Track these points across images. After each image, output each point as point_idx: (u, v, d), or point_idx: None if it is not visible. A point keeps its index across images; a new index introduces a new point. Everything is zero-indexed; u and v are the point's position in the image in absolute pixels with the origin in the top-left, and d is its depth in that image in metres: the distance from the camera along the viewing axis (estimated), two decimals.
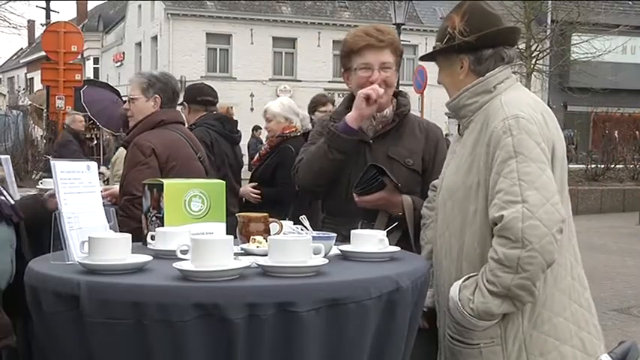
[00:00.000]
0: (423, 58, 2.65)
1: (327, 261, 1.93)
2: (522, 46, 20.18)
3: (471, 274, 2.26)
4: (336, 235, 2.29)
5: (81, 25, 33.67)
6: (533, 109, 2.28)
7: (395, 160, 2.86)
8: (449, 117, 2.54)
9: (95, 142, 12.43)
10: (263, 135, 13.80)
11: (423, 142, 2.94)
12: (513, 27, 2.59)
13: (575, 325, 2.32)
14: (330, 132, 2.78)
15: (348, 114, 2.81)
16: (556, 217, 2.14)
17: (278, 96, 25.48)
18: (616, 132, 17.82)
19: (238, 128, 5.44)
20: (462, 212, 2.32)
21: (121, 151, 5.64)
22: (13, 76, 52.02)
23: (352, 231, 2.27)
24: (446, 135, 4.88)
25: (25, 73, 48.73)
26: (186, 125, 4.54)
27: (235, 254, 1.94)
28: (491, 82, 2.37)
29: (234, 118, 5.68)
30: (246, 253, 2.13)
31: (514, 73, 2.55)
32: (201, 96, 5.24)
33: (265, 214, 2.37)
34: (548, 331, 2.27)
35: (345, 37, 2.95)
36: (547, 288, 2.27)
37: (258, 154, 5.51)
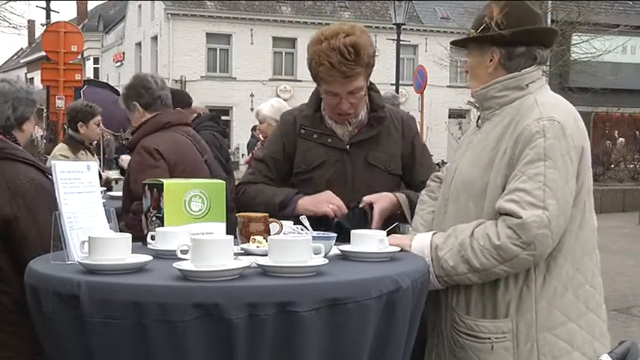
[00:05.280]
0: (454, 43, 2.54)
1: (327, 261, 1.92)
2: None
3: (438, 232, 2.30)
4: (336, 235, 2.29)
5: (81, 25, 33.68)
6: (567, 113, 2.26)
7: (375, 166, 2.79)
8: (472, 106, 2.44)
9: (95, 142, 12.44)
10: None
11: (400, 140, 2.86)
12: (551, 28, 2.54)
13: (590, 334, 2.31)
14: (277, 207, 2.70)
15: (302, 200, 2.68)
16: (561, 230, 2.18)
17: (278, 96, 25.56)
18: (616, 132, 17.85)
19: (239, 128, 5.56)
20: (477, 207, 2.28)
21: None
22: (13, 76, 52.00)
23: (352, 231, 2.27)
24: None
25: (25, 73, 48.71)
26: None
27: (235, 254, 1.94)
28: (524, 79, 2.33)
29: (234, 118, 5.79)
30: (246, 253, 2.13)
31: None
32: (189, 100, 5.31)
33: (265, 214, 2.36)
34: (560, 334, 2.27)
35: (310, 47, 2.72)
36: (565, 293, 2.27)
37: (250, 154, 5.57)
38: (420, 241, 2.30)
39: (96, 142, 5.80)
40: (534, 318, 2.25)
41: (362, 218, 2.65)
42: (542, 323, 2.25)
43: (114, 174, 5.77)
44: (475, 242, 2.18)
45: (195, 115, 5.27)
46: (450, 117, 32.04)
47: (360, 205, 2.68)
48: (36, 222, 2.47)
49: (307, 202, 2.69)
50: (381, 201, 2.69)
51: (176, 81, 30.89)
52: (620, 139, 17.92)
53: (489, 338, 2.26)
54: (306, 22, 32.60)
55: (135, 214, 3.25)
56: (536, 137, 2.18)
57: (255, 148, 5.58)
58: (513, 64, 2.34)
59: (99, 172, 5.31)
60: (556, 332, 2.26)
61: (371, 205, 2.67)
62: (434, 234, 2.30)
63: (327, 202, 2.67)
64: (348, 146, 2.80)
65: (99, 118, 5.58)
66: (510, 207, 2.15)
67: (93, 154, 5.67)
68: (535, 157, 2.16)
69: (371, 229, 2.58)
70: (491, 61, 2.35)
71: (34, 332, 1.97)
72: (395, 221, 2.66)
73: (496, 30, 2.30)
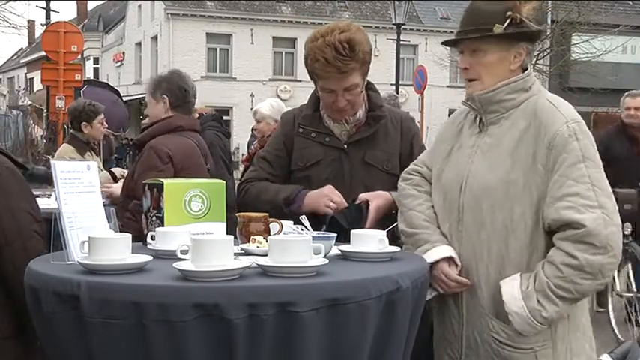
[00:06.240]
0: (447, 43, 2.47)
1: (327, 261, 1.92)
2: None
3: (518, 280, 2.22)
4: (336, 235, 2.29)
5: (81, 25, 33.66)
6: (577, 113, 2.28)
7: (372, 166, 2.79)
8: (469, 107, 2.38)
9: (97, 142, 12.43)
10: None
11: (398, 140, 2.86)
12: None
13: (587, 321, 2.38)
14: (282, 204, 2.71)
15: (309, 195, 2.70)
16: (620, 222, 2.19)
17: (278, 96, 25.56)
18: None
19: (239, 128, 5.56)
20: (502, 212, 2.24)
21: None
22: (13, 76, 52.02)
23: (352, 231, 2.27)
24: None
25: (25, 73, 48.72)
26: None
27: (235, 254, 1.94)
28: (528, 80, 2.31)
29: (234, 118, 5.78)
30: (246, 253, 2.13)
31: None
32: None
33: (265, 214, 2.37)
34: (581, 331, 2.31)
35: (306, 45, 2.70)
36: None
37: (247, 154, 5.57)
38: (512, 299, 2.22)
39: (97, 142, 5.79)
40: (567, 322, 2.27)
41: (357, 216, 2.65)
42: (572, 324, 2.28)
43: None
44: (557, 279, 2.14)
45: (198, 115, 5.27)
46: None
47: (357, 202, 2.69)
48: (9, 205, 2.35)
49: (310, 201, 2.70)
50: (377, 199, 2.69)
51: None
52: None
53: (532, 347, 2.25)
54: (306, 22, 32.59)
55: (133, 214, 3.25)
56: (569, 141, 2.18)
57: (252, 147, 5.59)
58: (526, 63, 2.33)
59: (112, 173, 5.29)
60: (580, 330, 2.31)
61: (367, 203, 2.68)
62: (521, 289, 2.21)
63: (328, 198, 2.67)
64: (345, 145, 2.81)
65: (102, 116, 5.56)
66: (569, 215, 2.13)
67: (99, 155, 5.67)
68: (575, 160, 2.17)
69: (366, 226, 2.59)
70: (515, 57, 2.30)
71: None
72: (394, 221, 2.66)
73: (535, 27, 2.26)
